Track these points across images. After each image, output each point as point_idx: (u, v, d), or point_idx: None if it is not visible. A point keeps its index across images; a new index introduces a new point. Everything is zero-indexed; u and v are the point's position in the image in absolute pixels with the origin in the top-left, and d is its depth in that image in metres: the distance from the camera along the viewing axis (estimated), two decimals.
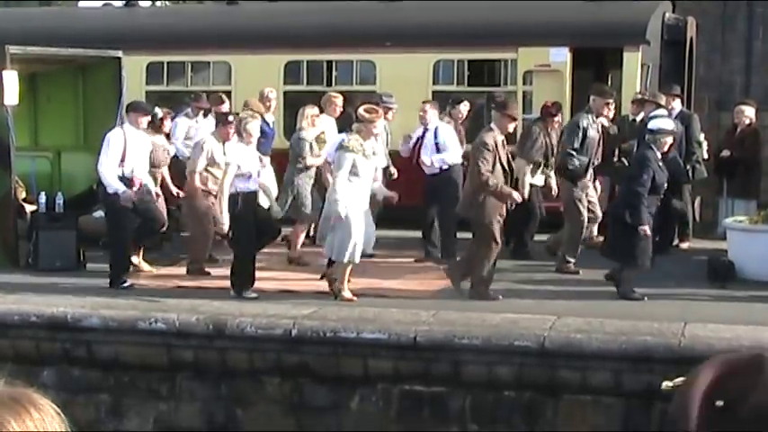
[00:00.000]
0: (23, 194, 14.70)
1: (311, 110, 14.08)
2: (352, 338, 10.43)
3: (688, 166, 14.50)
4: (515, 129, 13.03)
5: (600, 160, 13.68)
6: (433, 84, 16.74)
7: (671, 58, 16.91)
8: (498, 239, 11.66)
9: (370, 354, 10.44)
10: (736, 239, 13.29)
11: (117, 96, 15.09)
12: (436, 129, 13.95)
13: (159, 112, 14.26)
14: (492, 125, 11.92)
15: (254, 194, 12.00)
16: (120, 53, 15.19)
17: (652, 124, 12.21)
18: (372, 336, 10.40)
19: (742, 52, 19.79)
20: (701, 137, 15.44)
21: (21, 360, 11.09)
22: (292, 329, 10.58)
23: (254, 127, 12.02)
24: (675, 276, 11.86)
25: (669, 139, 11.82)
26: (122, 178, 12.52)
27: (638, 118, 14.74)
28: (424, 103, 14.41)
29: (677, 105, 15.22)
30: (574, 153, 13.12)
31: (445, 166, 13.80)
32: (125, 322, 11.04)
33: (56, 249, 13.53)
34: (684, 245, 14.75)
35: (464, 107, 15.07)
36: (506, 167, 11.67)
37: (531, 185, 14.00)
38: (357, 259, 11.58)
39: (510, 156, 11.87)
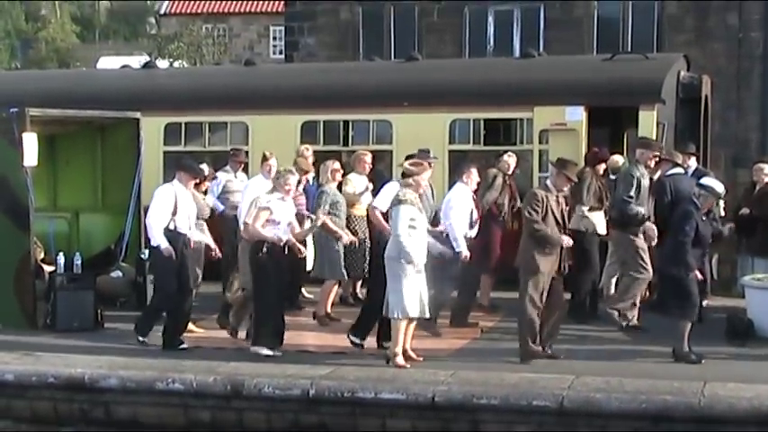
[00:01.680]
0: (42, 255, 14.76)
1: (333, 164, 14.17)
2: (370, 399, 10.39)
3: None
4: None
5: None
6: (449, 143, 16.77)
7: (686, 116, 16.94)
8: (541, 295, 11.56)
9: (388, 414, 10.38)
10: (755, 297, 13.23)
11: (135, 157, 15.21)
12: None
13: (206, 169, 14.29)
14: (548, 182, 12.03)
15: (283, 246, 11.92)
16: (138, 114, 15.31)
17: (705, 180, 12.28)
18: (391, 396, 10.35)
19: (757, 109, 19.85)
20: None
21: (39, 420, 11.09)
22: (310, 389, 10.55)
23: (291, 181, 12.01)
24: (694, 334, 11.79)
25: (713, 200, 11.97)
26: (172, 232, 12.50)
27: (655, 177, 14.72)
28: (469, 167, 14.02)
29: (693, 163, 15.24)
30: (631, 200, 13.10)
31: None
32: (143, 383, 11.02)
33: (74, 310, 13.55)
34: (703, 302, 14.68)
35: (511, 159, 14.89)
36: (560, 221, 11.60)
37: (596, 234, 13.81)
38: (414, 315, 11.24)
39: (565, 213, 11.82)
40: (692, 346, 11.65)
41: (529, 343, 11.44)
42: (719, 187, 12.10)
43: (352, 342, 12.14)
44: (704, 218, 11.76)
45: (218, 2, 54.73)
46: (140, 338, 12.48)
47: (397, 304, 11.16)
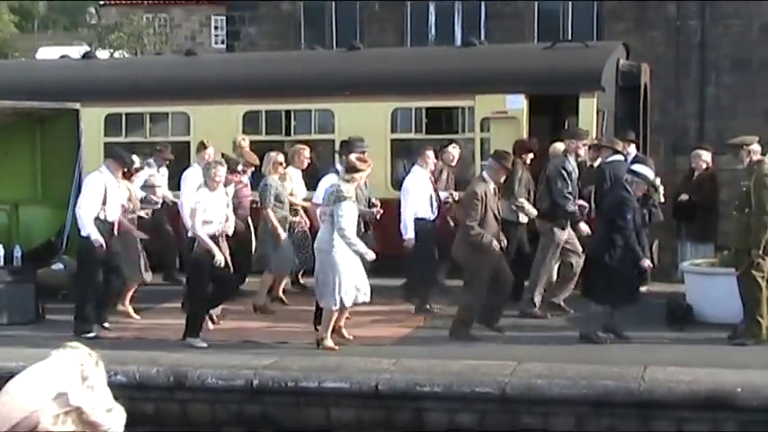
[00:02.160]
0: None
1: (276, 156, 14.16)
2: (314, 388, 10.41)
3: (644, 210, 14.61)
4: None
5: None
6: (392, 132, 16.81)
7: (626, 104, 17.09)
8: (484, 284, 11.81)
9: (332, 403, 10.42)
10: (694, 283, 13.41)
11: (75, 148, 15.08)
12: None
13: (137, 161, 14.29)
14: (485, 174, 12.20)
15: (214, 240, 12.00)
16: (77, 105, 15.17)
17: (636, 167, 12.41)
18: (334, 385, 10.38)
19: (695, 97, 20.07)
20: (657, 181, 15.59)
21: None
22: (253, 380, 10.55)
23: (221, 172, 12.04)
24: (634, 320, 11.94)
25: (644, 187, 12.06)
26: (103, 222, 12.52)
27: (596, 164, 14.87)
28: (425, 149, 14.29)
29: (633, 150, 15.39)
30: (570, 197, 13.28)
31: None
32: None
33: (14, 303, 13.43)
34: (643, 288, 14.84)
35: (455, 150, 15.04)
36: (497, 216, 11.91)
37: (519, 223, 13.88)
38: (348, 305, 11.57)
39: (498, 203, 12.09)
40: (633, 331, 11.81)
41: (464, 327, 11.93)
42: (651, 174, 12.23)
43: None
44: (636, 204, 11.92)
45: None
46: (86, 335, 12.32)
47: (331, 295, 11.38)
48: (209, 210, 11.88)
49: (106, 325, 12.73)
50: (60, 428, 1.99)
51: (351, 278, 11.43)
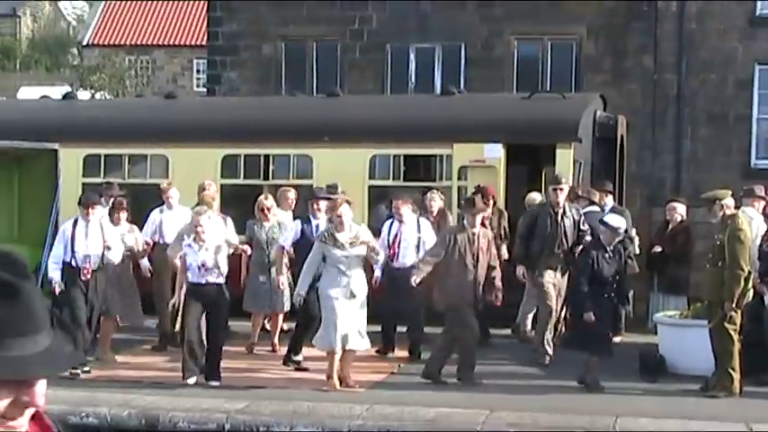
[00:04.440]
0: None
1: (261, 201, 14.26)
2: None
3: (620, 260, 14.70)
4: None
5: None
6: (370, 178, 16.88)
7: (602, 155, 17.24)
8: (461, 327, 11.98)
9: None
10: (667, 334, 13.47)
11: (53, 188, 15.10)
12: (418, 222, 14.02)
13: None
14: (464, 222, 12.42)
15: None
16: (56, 145, 15.21)
17: (606, 218, 12.55)
18: (306, 430, 10.37)
19: (672, 149, 20.22)
20: (633, 232, 15.71)
21: None
22: (225, 424, 10.53)
23: (202, 221, 12.07)
24: (607, 370, 11.98)
25: (612, 237, 12.07)
26: (67, 265, 12.57)
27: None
28: (397, 199, 14.32)
29: (609, 201, 15.52)
30: (520, 240, 13.67)
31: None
32: (55, 416, 10.88)
33: None
34: (617, 339, 14.90)
35: (437, 196, 15.06)
36: (474, 264, 11.96)
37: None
38: (338, 349, 11.59)
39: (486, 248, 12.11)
40: (605, 381, 11.85)
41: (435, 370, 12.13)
42: (616, 223, 12.22)
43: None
44: (607, 255, 11.94)
45: (142, 33, 54.48)
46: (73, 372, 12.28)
47: (322, 337, 11.77)
48: (189, 258, 12.04)
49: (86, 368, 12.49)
50: None
51: (329, 322, 11.58)
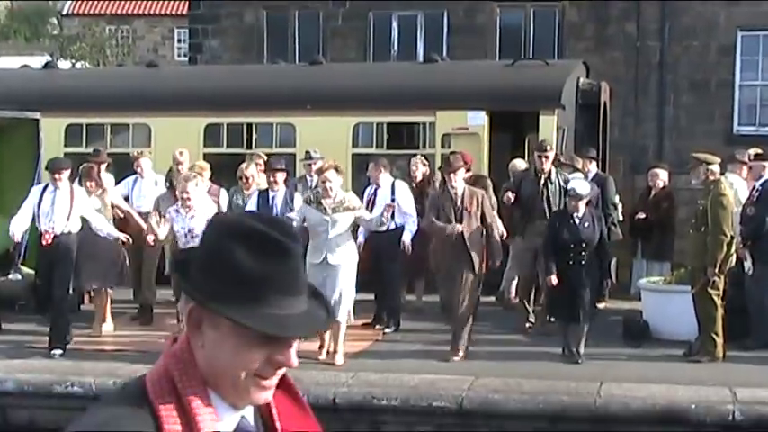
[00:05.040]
0: None
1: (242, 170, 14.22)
2: None
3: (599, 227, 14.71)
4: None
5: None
6: (353, 146, 16.85)
7: (585, 122, 17.23)
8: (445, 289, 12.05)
9: None
10: (651, 300, 13.52)
11: (35, 159, 15.00)
12: (393, 185, 13.94)
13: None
14: (445, 183, 12.43)
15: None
16: (37, 115, 15.11)
17: (571, 183, 12.50)
18: None
19: (654, 117, 20.24)
20: (617, 199, 15.74)
21: None
22: None
23: (189, 188, 11.94)
24: (592, 336, 12.02)
25: (581, 202, 11.91)
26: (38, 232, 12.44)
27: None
28: (373, 163, 14.30)
29: (593, 168, 15.53)
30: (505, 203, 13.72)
31: (393, 226, 13.46)
32: (41, 386, 10.90)
33: None
34: (600, 305, 14.95)
35: (420, 162, 15.01)
36: (456, 214, 11.88)
37: None
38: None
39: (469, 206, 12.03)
40: (590, 347, 11.89)
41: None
42: (579, 188, 12.08)
43: None
44: (572, 222, 11.84)
45: (122, 2, 54.12)
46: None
47: None
48: (175, 225, 12.03)
49: (56, 352, 12.19)
50: None
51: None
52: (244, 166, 14.43)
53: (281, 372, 2.26)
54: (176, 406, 2.18)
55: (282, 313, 2.18)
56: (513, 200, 13.47)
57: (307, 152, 14.87)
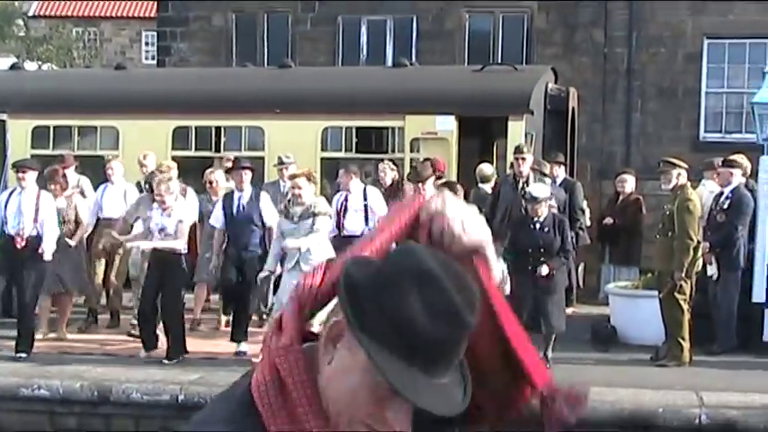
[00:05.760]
0: None
1: (208, 175, 14.19)
2: None
3: (571, 233, 14.78)
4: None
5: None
6: (322, 150, 16.84)
7: (553, 128, 17.29)
8: None
9: None
10: (618, 305, 13.60)
11: (1, 160, 14.90)
12: (365, 191, 13.98)
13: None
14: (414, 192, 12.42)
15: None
16: (4, 116, 15.01)
17: (530, 188, 12.47)
18: None
19: (621, 123, 20.34)
20: (584, 204, 15.82)
21: None
22: (179, 395, 10.49)
23: (162, 189, 12.02)
24: (560, 340, 12.06)
25: (540, 206, 11.79)
26: (6, 236, 12.28)
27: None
28: (344, 170, 14.35)
29: (561, 173, 15.59)
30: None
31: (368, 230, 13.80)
32: (7, 389, 10.83)
33: None
34: (569, 310, 15.02)
35: (388, 167, 15.05)
36: None
37: None
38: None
39: None
40: (558, 352, 11.93)
41: None
42: (536, 192, 12.02)
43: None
44: (531, 226, 11.84)
45: (89, 3, 53.85)
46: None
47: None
48: (152, 223, 12.04)
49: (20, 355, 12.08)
50: None
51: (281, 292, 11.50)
52: (209, 171, 14.41)
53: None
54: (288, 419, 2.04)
55: (425, 378, 2.00)
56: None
57: (279, 157, 14.86)
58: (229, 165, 14.58)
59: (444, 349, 2.01)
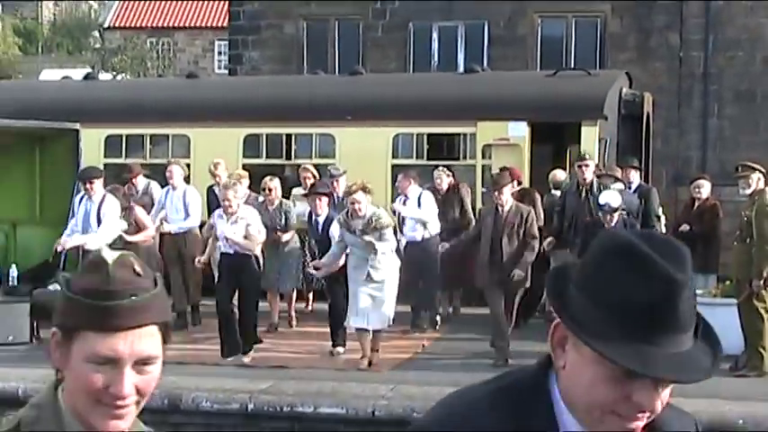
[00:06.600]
0: None
1: (266, 182, 14.19)
2: (310, 413, 10.30)
3: None
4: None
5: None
6: (393, 157, 16.74)
7: (628, 133, 17.03)
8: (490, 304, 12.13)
9: (328, 429, 10.30)
10: None
11: (74, 169, 14.99)
12: (420, 197, 14.00)
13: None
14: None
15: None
16: (77, 125, 15.11)
17: (600, 198, 12.31)
18: (330, 410, 10.27)
19: (698, 128, 20.01)
20: (660, 211, 15.51)
21: None
22: (249, 404, 10.43)
23: (229, 196, 12.08)
24: None
25: (613, 215, 11.83)
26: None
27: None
28: (403, 174, 14.39)
29: (636, 178, 15.29)
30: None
31: (427, 236, 13.85)
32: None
33: (9, 323, 13.31)
34: None
35: (443, 174, 15.02)
36: (490, 239, 11.97)
37: None
38: (351, 328, 11.82)
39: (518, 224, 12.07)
40: None
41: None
42: (603, 200, 12.01)
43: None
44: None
45: (163, 14, 54.42)
46: None
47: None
48: (217, 231, 12.27)
49: None
50: None
51: (353, 302, 11.63)
52: (268, 178, 14.36)
53: (644, 415, 2.04)
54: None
55: (654, 350, 1.99)
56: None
57: (328, 170, 14.84)
58: (309, 175, 14.64)
59: (663, 313, 2.00)
